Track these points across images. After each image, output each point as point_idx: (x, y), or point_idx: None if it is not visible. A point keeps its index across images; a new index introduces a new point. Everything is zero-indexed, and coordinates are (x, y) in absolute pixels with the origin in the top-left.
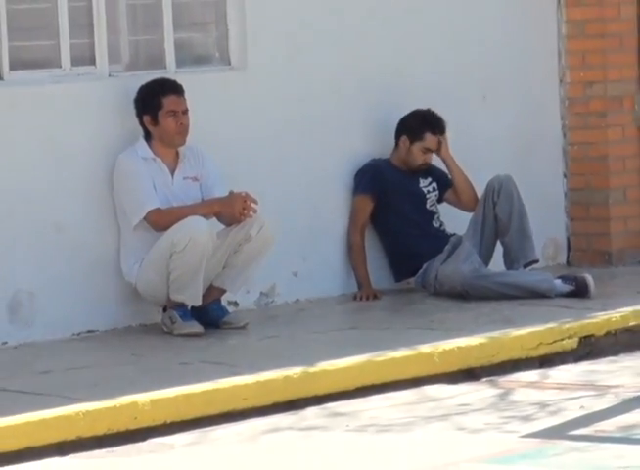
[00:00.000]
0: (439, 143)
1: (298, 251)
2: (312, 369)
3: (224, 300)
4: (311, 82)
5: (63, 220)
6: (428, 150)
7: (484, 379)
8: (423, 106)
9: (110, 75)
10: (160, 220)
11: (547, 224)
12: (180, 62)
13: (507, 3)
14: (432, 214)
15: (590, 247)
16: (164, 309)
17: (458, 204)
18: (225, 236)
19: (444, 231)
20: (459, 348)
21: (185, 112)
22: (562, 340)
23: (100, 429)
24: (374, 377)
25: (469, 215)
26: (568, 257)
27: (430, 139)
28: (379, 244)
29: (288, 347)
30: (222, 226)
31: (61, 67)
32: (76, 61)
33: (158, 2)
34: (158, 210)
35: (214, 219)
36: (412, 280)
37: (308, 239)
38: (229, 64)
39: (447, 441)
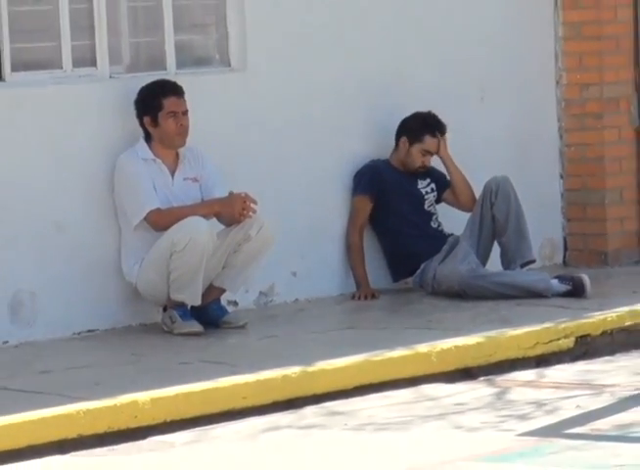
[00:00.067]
0: (439, 145)
1: (298, 251)
2: (311, 368)
3: (224, 299)
4: (311, 84)
5: (63, 220)
6: (427, 152)
7: (482, 378)
8: (421, 107)
9: (110, 77)
10: (161, 221)
11: (544, 225)
12: (180, 63)
13: (505, 6)
14: (430, 215)
15: (586, 247)
16: (164, 309)
17: (456, 204)
18: (225, 236)
19: (442, 231)
20: (456, 347)
21: (185, 113)
22: (558, 339)
23: (100, 427)
24: (372, 376)
25: (466, 216)
26: (564, 257)
27: (429, 142)
28: (377, 244)
29: (287, 346)
30: (222, 226)
31: (62, 68)
32: (77, 62)
33: (158, 4)
34: (158, 210)
35: (214, 220)
36: (410, 280)
37: (307, 239)
38: (229, 65)
39: (444, 439)
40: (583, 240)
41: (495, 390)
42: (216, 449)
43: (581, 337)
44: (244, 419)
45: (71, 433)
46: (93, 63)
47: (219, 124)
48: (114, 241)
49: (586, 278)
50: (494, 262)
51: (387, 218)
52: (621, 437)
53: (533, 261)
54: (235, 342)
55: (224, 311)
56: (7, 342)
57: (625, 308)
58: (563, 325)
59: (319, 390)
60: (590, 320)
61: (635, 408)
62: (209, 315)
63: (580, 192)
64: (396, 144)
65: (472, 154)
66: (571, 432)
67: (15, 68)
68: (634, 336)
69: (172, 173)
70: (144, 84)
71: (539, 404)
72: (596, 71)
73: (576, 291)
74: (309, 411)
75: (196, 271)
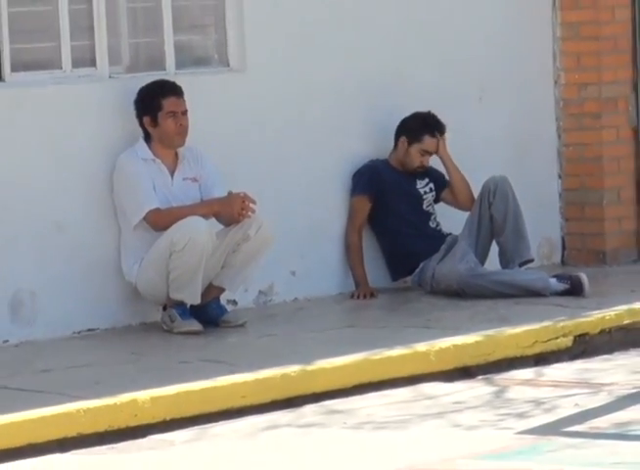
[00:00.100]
0: (438, 145)
1: (297, 250)
2: (310, 367)
3: (223, 298)
4: (310, 84)
5: (63, 220)
6: (426, 152)
7: (480, 377)
8: (421, 107)
9: (110, 77)
10: (160, 220)
11: (542, 224)
12: (180, 64)
13: (504, 6)
14: (428, 215)
15: (585, 246)
16: (164, 308)
17: (455, 203)
18: (224, 236)
19: (441, 231)
20: (455, 346)
21: (184, 113)
22: (557, 338)
23: (100, 426)
24: (371, 375)
25: (465, 216)
26: (562, 256)
27: (428, 142)
28: (376, 244)
29: (286, 345)
30: (221, 226)
31: (62, 68)
32: (77, 62)
33: (157, 5)
34: (157, 210)
35: (213, 219)
36: (409, 279)
37: (307, 238)
38: (228, 65)
39: (443, 438)
40: (581, 239)
41: (494, 388)
42: (216, 448)
43: (580, 336)
44: (243, 418)
45: (72, 431)
46: (93, 63)
47: (219, 124)
48: (113, 241)
49: (584, 277)
50: (493, 262)
51: (385, 218)
52: (620, 435)
53: (532, 261)
54: (234, 341)
55: (223, 310)
56: (7, 341)
57: (623, 307)
58: (561, 324)
59: (318, 388)
60: (588, 319)
61: (633, 407)
62: (209, 314)
63: (579, 192)
64: (395, 144)
65: (471, 153)
66: (569, 430)
67: (15, 68)
68: (632, 334)
69: (172, 173)
70: (143, 84)
71: (538, 403)
72: (594, 71)
73: (575, 290)
74: (308, 410)
75: (195, 271)
